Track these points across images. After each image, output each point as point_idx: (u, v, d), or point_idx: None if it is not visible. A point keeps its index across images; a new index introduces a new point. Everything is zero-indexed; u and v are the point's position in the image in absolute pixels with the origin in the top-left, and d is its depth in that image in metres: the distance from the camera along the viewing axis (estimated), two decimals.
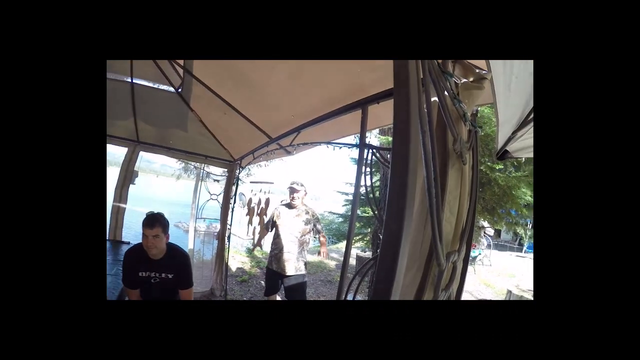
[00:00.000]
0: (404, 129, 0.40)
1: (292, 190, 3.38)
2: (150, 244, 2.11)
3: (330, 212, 12.46)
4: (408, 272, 0.77)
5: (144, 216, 2.15)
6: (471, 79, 1.03)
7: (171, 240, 2.30)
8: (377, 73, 1.51)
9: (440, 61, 0.80)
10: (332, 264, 8.57)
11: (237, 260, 7.47)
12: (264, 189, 3.57)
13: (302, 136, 2.68)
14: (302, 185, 3.41)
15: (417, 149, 0.42)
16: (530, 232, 6.99)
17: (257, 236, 3.47)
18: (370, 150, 1.76)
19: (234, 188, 4.58)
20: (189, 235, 5.08)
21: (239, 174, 4.60)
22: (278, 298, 3.77)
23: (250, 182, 5.15)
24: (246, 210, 3.62)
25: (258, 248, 3.84)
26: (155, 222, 2.10)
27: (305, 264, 3.44)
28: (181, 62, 2.67)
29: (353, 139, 2.89)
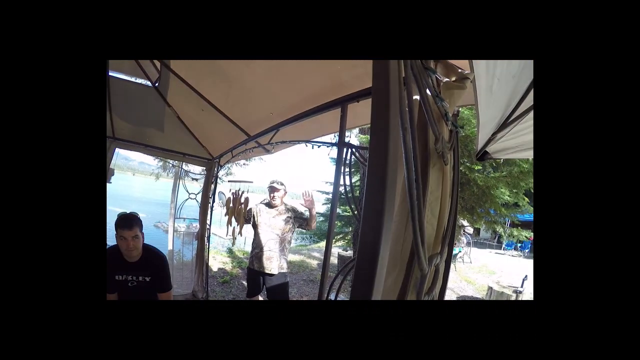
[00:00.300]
0: (383, 124, 0.37)
1: (272, 189, 3.33)
2: (131, 245, 2.05)
3: None
4: (389, 275, 0.74)
5: (118, 214, 2.08)
6: (453, 79, 1.01)
7: (152, 241, 2.24)
8: (358, 70, 1.49)
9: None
10: (314, 263, 8.55)
11: (218, 260, 7.34)
12: (242, 187, 3.49)
13: (280, 134, 2.64)
14: (282, 184, 3.37)
15: (397, 146, 0.40)
16: (508, 231, 7.17)
17: (236, 230, 3.38)
18: (350, 150, 1.74)
19: (212, 187, 4.49)
20: (168, 235, 4.95)
21: (217, 172, 4.50)
22: (261, 299, 3.71)
23: (229, 181, 5.05)
24: (225, 210, 3.52)
25: (237, 242, 3.75)
26: (133, 222, 2.05)
27: (287, 262, 3.39)
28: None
29: (333, 138, 2.87)
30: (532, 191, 5.82)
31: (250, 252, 3.46)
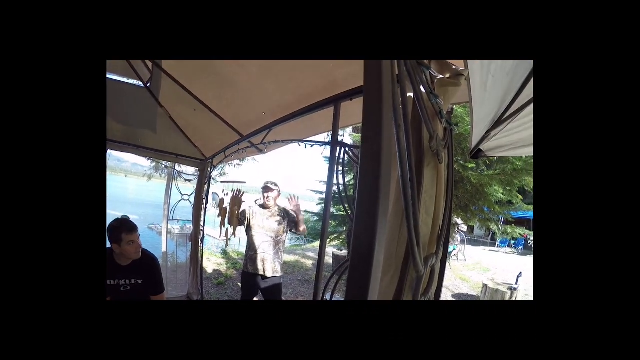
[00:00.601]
0: (375, 122, 0.35)
1: (266, 190, 3.31)
2: (135, 249, 2.08)
3: (304, 211, 12.45)
4: (384, 276, 0.73)
5: (112, 223, 2.05)
6: (447, 76, 1.00)
7: (146, 243, 2.24)
8: (350, 68, 1.48)
9: None
10: (309, 263, 8.54)
11: (212, 262, 7.30)
12: (235, 188, 3.45)
13: (273, 134, 2.62)
14: (276, 185, 3.35)
15: (390, 144, 0.38)
16: (502, 228, 7.22)
17: (230, 231, 3.35)
18: (343, 149, 1.72)
19: (205, 188, 4.45)
20: (162, 237, 4.90)
21: (210, 173, 4.46)
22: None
23: (221, 182, 5.01)
24: (218, 211, 3.49)
25: (231, 243, 3.72)
26: (133, 225, 2.09)
27: (281, 265, 3.37)
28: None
29: (326, 137, 2.84)
30: (526, 189, 5.87)
31: (244, 254, 3.44)
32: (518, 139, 1.64)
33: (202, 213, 4.46)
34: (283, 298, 3.56)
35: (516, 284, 6.04)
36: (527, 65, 1.15)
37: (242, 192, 3.39)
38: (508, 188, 5.79)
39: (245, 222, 3.37)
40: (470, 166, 5.42)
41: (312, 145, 2.27)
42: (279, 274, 3.31)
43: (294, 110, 2.10)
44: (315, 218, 11.85)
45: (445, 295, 6.65)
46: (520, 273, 6.32)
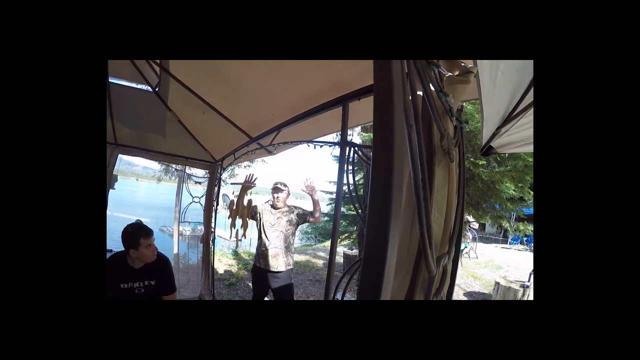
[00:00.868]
0: (387, 121, 0.35)
1: (276, 190, 3.32)
2: (152, 252, 2.14)
3: None
4: (396, 277, 0.73)
5: (127, 228, 2.09)
6: (456, 73, 0.99)
7: (158, 245, 2.26)
8: (358, 68, 1.47)
9: None
10: (319, 263, 8.54)
11: (223, 263, 7.35)
12: (249, 175, 3.44)
13: (282, 135, 2.62)
14: (285, 185, 3.35)
15: (402, 144, 0.38)
16: (514, 225, 7.12)
17: (240, 232, 3.36)
18: (353, 149, 1.72)
19: (216, 189, 4.48)
20: (173, 239, 4.95)
21: (220, 175, 4.50)
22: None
23: (232, 184, 5.04)
24: (229, 213, 3.50)
25: (242, 243, 3.72)
26: (149, 230, 2.14)
27: (293, 260, 3.39)
28: (158, 60, 2.58)
29: (334, 137, 2.83)
30: None
31: (255, 251, 3.45)
32: (529, 134, 1.62)
33: (213, 215, 4.49)
34: (294, 297, 3.55)
35: (529, 281, 5.95)
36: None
37: (255, 177, 3.37)
38: (520, 184, 5.71)
39: (257, 217, 3.36)
40: (481, 163, 5.36)
41: (321, 146, 2.27)
42: (290, 267, 3.33)
43: (302, 111, 2.10)
44: (326, 218, 11.85)
45: (457, 294, 6.59)
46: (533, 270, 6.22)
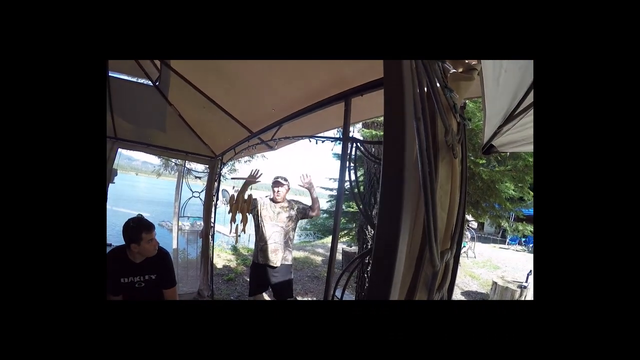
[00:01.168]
0: (398, 116, 0.35)
1: (276, 185, 3.31)
2: (154, 246, 2.14)
3: None
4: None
5: (129, 223, 2.08)
6: (460, 70, 0.99)
7: (158, 239, 2.26)
8: (361, 64, 1.46)
9: None
10: (318, 259, 8.55)
11: (222, 258, 7.36)
12: (254, 170, 3.44)
13: (283, 130, 2.61)
14: (285, 180, 3.34)
15: (413, 139, 0.38)
16: (513, 225, 7.12)
17: (240, 227, 3.35)
18: (355, 144, 1.71)
19: (216, 184, 4.48)
20: (173, 234, 4.95)
21: (220, 170, 4.49)
22: (265, 296, 3.70)
23: (232, 178, 5.04)
24: (228, 208, 3.50)
25: (241, 239, 3.73)
26: (150, 224, 2.14)
27: (292, 255, 3.39)
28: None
29: (335, 133, 2.81)
30: None
31: (254, 247, 3.44)
32: (530, 134, 1.62)
33: (213, 210, 4.49)
34: (293, 294, 3.56)
35: (526, 281, 5.97)
36: None
37: (260, 172, 3.37)
38: (520, 184, 5.70)
39: (255, 211, 3.35)
40: (481, 162, 5.35)
41: (323, 141, 2.26)
42: (289, 263, 3.32)
43: (304, 106, 2.09)
44: (325, 215, 11.85)
45: (455, 293, 6.60)
46: (531, 271, 6.23)
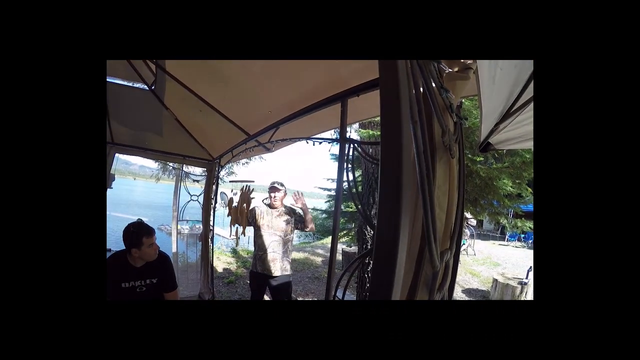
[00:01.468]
0: (394, 119, 0.35)
1: (273, 190, 3.31)
2: (154, 250, 2.15)
3: (313, 209, 12.50)
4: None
5: (129, 227, 2.08)
6: (456, 69, 0.99)
7: (157, 243, 2.26)
8: (356, 64, 1.46)
9: None
10: (318, 260, 8.56)
11: (222, 261, 7.35)
12: (245, 185, 3.46)
13: (281, 132, 2.61)
14: (282, 185, 3.35)
15: (410, 140, 0.38)
16: (512, 222, 7.14)
17: (239, 230, 3.36)
18: (352, 145, 1.71)
19: (214, 187, 4.47)
20: (172, 238, 4.94)
21: (218, 173, 4.48)
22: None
23: (230, 182, 5.05)
24: (227, 211, 3.50)
25: (241, 241, 3.72)
26: (151, 229, 2.14)
27: (290, 264, 3.38)
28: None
29: (332, 134, 2.82)
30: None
31: (253, 254, 3.45)
32: (527, 131, 1.62)
33: (211, 213, 4.48)
34: (293, 295, 3.56)
35: (526, 278, 5.98)
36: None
37: (252, 189, 3.39)
38: (517, 181, 5.72)
39: (254, 223, 3.37)
40: (478, 160, 5.37)
41: (320, 142, 2.26)
42: (288, 272, 3.32)
43: (301, 107, 2.09)
44: (324, 215, 11.86)
45: (456, 291, 6.62)
46: (531, 267, 6.25)
